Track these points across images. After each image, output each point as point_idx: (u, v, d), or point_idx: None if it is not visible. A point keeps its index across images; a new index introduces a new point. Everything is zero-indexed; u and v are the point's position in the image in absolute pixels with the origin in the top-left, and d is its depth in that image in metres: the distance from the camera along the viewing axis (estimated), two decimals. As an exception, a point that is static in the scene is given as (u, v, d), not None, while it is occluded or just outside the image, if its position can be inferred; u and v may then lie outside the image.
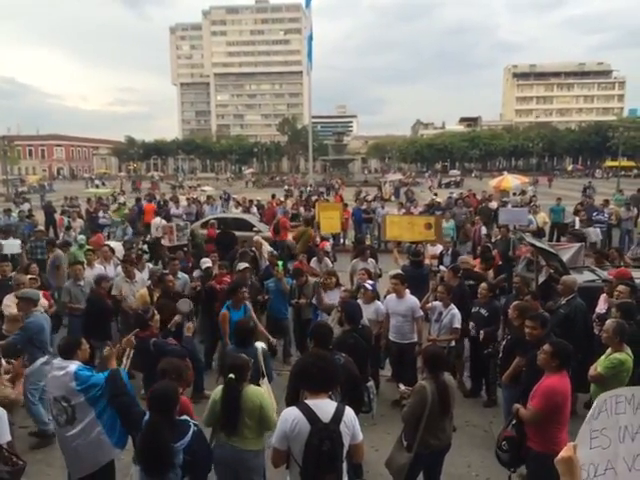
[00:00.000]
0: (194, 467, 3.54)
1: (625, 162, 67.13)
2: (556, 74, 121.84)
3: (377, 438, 5.70)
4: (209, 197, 23.85)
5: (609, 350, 5.06)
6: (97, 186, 49.10)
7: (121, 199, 21.38)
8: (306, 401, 3.34)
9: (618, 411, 2.09)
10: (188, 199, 21.82)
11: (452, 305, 6.93)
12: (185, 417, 3.66)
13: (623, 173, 60.50)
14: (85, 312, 7.57)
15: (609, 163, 75.50)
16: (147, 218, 10.70)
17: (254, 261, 9.97)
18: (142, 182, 56.90)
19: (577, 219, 15.02)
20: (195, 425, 3.62)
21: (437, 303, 7.06)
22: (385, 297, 7.89)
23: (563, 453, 1.94)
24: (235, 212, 19.65)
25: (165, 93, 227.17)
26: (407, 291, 7.11)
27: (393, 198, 32.29)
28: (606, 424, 2.05)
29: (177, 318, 6.17)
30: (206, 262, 9.13)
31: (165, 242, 10.56)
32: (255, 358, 4.93)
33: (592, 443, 2.02)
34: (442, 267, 8.30)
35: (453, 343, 7.06)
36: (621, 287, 6.21)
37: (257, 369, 4.90)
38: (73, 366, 4.28)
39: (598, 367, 4.98)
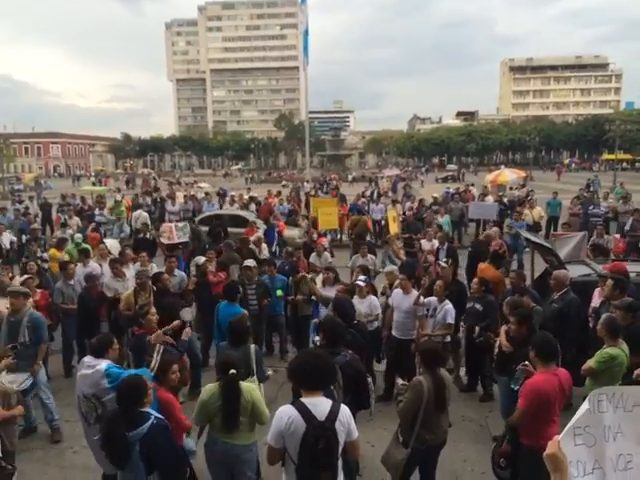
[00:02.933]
0: (156, 461, 3.57)
1: (622, 155, 67.21)
2: (553, 67, 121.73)
3: (373, 434, 5.72)
4: (207, 194, 23.83)
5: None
6: (94, 183, 48.89)
7: (117, 197, 21.29)
8: (302, 399, 3.35)
9: (601, 410, 2.09)
10: (185, 196, 21.78)
11: (447, 301, 6.96)
12: (148, 410, 3.67)
13: (621, 166, 60.73)
14: (77, 312, 7.55)
15: (606, 156, 75.56)
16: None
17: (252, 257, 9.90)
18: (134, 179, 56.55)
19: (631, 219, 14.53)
20: (157, 418, 3.63)
21: (432, 299, 7.08)
22: (381, 292, 7.95)
23: (548, 450, 1.97)
24: (232, 208, 19.66)
25: (161, 89, 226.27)
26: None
27: (391, 193, 32.28)
28: (589, 422, 2.06)
29: (176, 324, 6.13)
30: (200, 259, 9.11)
31: (164, 240, 10.53)
32: (247, 357, 4.95)
33: (576, 440, 2.02)
34: (441, 262, 8.32)
35: (448, 338, 7.09)
36: (608, 281, 6.22)
37: (248, 368, 4.90)
38: (103, 364, 4.31)
39: (591, 361, 5.01)
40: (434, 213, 16.43)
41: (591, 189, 25.20)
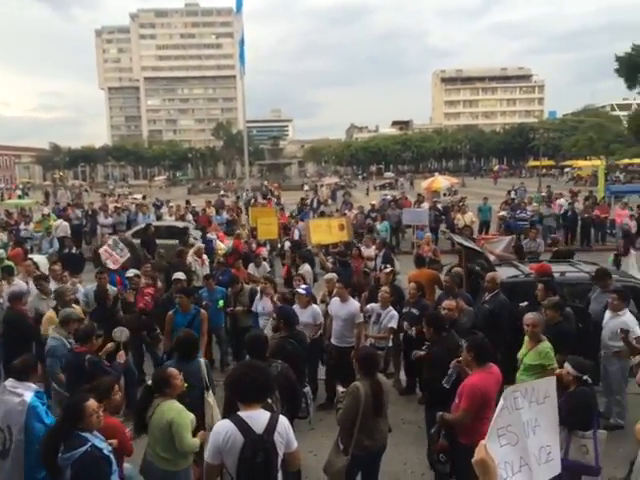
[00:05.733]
0: None
1: (546, 162, 71.19)
2: (481, 79, 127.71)
3: (315, 443, 5.72)
4: (141, 205, 23.12)
5: (529, 342, 5.34)
6: (20, 196, 46.29)
7: (45, 210, 20.26)
8: (239, 413, 3.30)
9: (518, 407, 2.15)
10: (117, 208, 21.03)
11: (390, 307, 7.09)
12: (86, 434, 3.52)
13: (546, 171, 64.32)
14: (2, 335, 7.06)
15: (531, 163, 79.75)
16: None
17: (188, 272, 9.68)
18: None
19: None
20: (95, 447, 3.49)
21: (374, 305, 7.19)
22: (321, 300, 7.99)
23: (476, 455, 2.00)
24: (169, 220, 19.18)
25: (93, 98, 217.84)
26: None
27: (330, 201, 32.58)
28: (510, 421, 2.12)
29: (110, 346, 5.84)
30: (130, 272, 8.77)
31: (112, 266, 9.90)
32: (199, 372, 4.83)
33: (500, 441, 2.07)
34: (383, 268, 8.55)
35: (391, 343, 7.21)
36: (540, 286, 6.56)
37: (202, 382, 4.80)
38: (29, 394, 4.03)
39: (548, 360, 5.21)
40: (373, 220, 16.79)
41: (516, 195, 26.45)
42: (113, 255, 10.18)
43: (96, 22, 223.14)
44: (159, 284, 9.09)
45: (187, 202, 23.39)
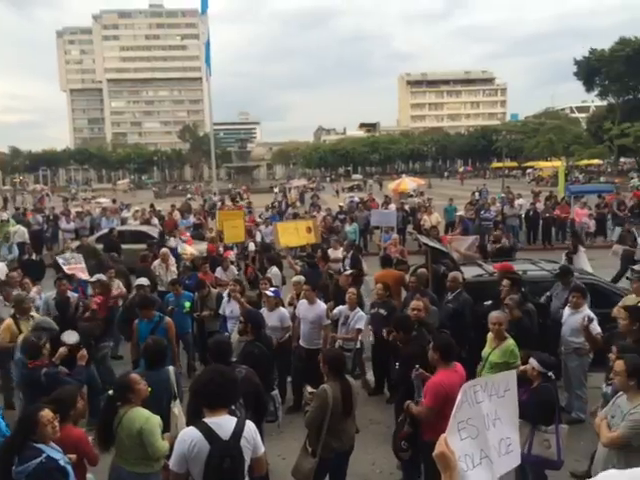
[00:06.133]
0: None
1: (509, 163, 72.92)
2: (445, 82, 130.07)
3: (284, 446, 5.70)
4: (105, 209, 22.62)
5: (493, 340, 5.45)
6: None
7: (4, 215, 19.58)
8: (205, 419, 3.25)
9: (478, 400, 2.17)
10: (79, 212, 20.51)
11: (358, 308, 7.13)
12: (40, 446, 3.42)
13: (509, 172, 65.87)
14: None
15: (495, 164, 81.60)
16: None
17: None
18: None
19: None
20: (50, 459, 3.39)
21: (342, 308, 7.21)
22: (288, 303, 7.97)
23: (436, 449, 2.02)
24: (134, 224, 18.82)
25: (55, 100, 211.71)
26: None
27: (299, 204, 32.57)
28: (470, 414, 2.13)
29: (62, 350, 5.67)
30: (96, 277, 8.53)
31: (83, 276, 9.53)
32: (168, 381, 4.74)
33: (461, 434, 2.09)
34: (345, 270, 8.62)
35: (359, 345, 7.25)
36: (505, 282, 6.70)
37: (170, 391, 4.71)
38: None
39: (510, 358, 5.31)
40: (341, 222, 16.87)
41: (480, 196, 26.98)
42: (76, 267, 9.85)
43: (58, 23, 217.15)
44: (123, 290, 8.91)
45: (151, 206, 23.00)
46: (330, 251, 11.65)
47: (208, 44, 35.57)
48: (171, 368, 4.96)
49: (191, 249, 12.64)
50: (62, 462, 3.45)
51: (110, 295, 8.04)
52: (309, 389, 4.70)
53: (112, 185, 78.68)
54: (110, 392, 3.92)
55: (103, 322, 7.38)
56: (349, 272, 8.19)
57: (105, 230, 16.78)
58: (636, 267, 7.63)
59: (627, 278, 8.12)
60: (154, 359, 4.79)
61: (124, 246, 14.64)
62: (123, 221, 19.84)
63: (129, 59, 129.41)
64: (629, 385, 3.85)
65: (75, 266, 9.73)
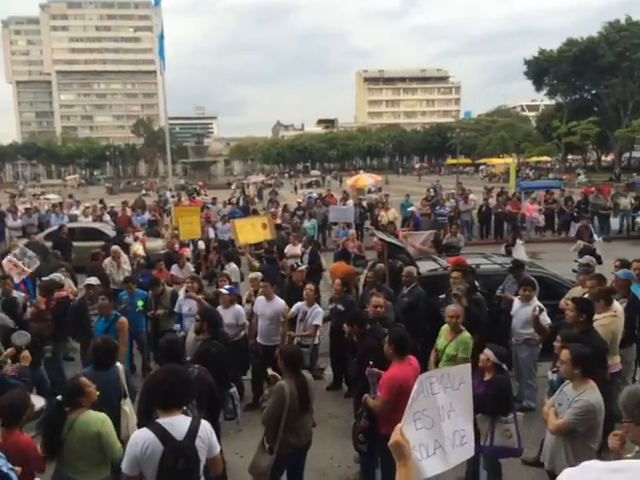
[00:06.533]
0: None
1: (463, 160, 74.65)
2: (402, 79, 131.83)
3: (242, 444, 5.66)
4: (54, 205, 21.81)
5: (449, 333, 5.57)
6: None
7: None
8: (158, 420, 3.18)
9: (434, 391, 2.23)
10: (27, 209, 19.69)
11: (316, 304, 7.14)
12: None
13: (463, 169, 67.43)
14: None
15: (450, 161, 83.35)
16: None
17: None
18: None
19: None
20: None
21: (300, 304, 7.22)
22: (246, 300, 7.91)
23: (392, 438, 2.05)
24: (86, 221, 18.22)
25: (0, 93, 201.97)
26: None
27: (257, 200, 32.33)
28: (426, 405, 2.19)
29: (9, 351, 5.45)
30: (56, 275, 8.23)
31: (17, 279, 9.10)
32: (117, 380, 4.62)
33: (416, 424, 2.14)
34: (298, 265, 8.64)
35: (317, 340, 7.26)
36: (455, 273, 6.86)
37: (119, 390, 4.59)
38: None
39: (461, 353, 5.41)
40: (299, 218, 16.85)
41: (435, 192, 27.50)
42: (19, 266, 9.42)
43: (3, 12, 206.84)
44: (74, 289, 8.63)
45: (101, 201, 22.29)
46: (289, 247, 11.65)
47: (162, 37, 34.79)
48: (120, 366, 4.87)
49: (141, 248, 12.31)
50: (5, 468, 3.30)
51: (55, 296, 7.73)
52: (270, 371, 4.66)
53: (62, 181, 75.89)
54: (59, 397, 3.74)
55: (52, 323, 7.12)
56: (302, 268, 8.20)
57: (55, 227, 16.17)
58: (581, 260, 7.93)
59: (573, 270, 8.43)
60: (103, 359, 4.69)
61: (75, 244, 14.18)
62: (72, 218, 19.13)
63: (79, 50, 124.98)
64: (574, 373, 4.00)
65: (20, 266, 9.32)
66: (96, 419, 3.84)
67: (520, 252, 10.65)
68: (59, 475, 3.86)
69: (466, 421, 2.36)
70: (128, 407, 4.62)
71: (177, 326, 7.53)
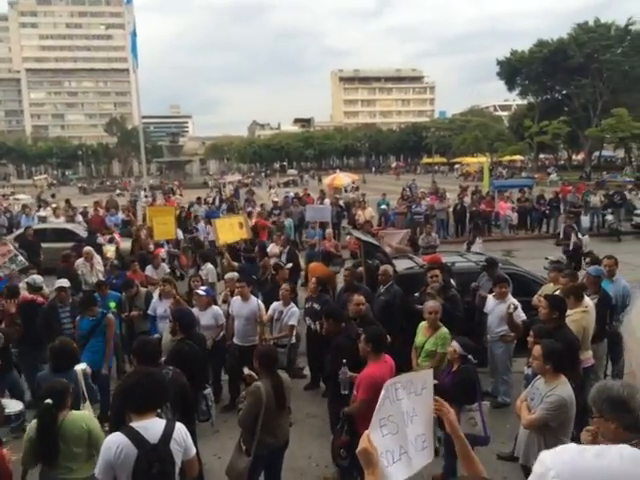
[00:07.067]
0: None
1: (438, 159, 75.43)
2: (377, 79, 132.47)
3: (220, 445, 5.62)
4: (24, 206, 21.31)
5: (428, 329, 5.61)
6: None
7: None
8: (132, 424, 3.13)
9: (399, 397, 2.25)
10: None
11: (292, 304, 7.12)
12: None
13: (438, 168, 68.18)
14: None
15: (425, 160, 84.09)
16: None
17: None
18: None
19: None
20: None
21: (276, 304, 7.19)
22: (223, 300, 7.84)
23: (360, 446, 2.05)
24: (57, 221, 17.83)
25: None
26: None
27: (234, 199, 32.06)
28: (391, 411, 2.20)
29: None
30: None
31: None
32: (75, 382, 4.51)
33: (382, 430, 2.15)
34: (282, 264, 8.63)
35: (294, 340, 7.24)
36: (433, 271, 6.92)
37: (78, 394, 4.47)
38: None
39: (440, 348, 5.47)
40: (276, 217, 16.81)
41: (411, 191, 27.72)
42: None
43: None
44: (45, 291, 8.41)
45: (67, 201, 21.72)
46: (271, 246, 11.63)
47: (134, 34, 34.23)
48: (78, 369, 4.72)
49: (112, 250, 12.14)
50: None
51: (20, 299, 7.52)
52: (246, 370, 4.62)
53: (33, 181, 74.18)
54: (49, 401, 3.64)
55: (21, 327, 6.94)
56: (289, 266, 8.18)
57: (23, 228, 15.78)
58: (551, 257, 8.08)
59: (544, 268, 8.59)
60: (61, 361, 4.61)
61: (46, 245, 13.88)
62: (42, 219, 18.72)
63: (49, 48, 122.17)
64: (546, 369, 4.07)
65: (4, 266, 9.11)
66: (81, 417, 3.82)
67: (478, 247, 11.29)
68: (47, 478, 3.77)
69: (427, 426, 2.39)
70: (88, 410, 4.53)
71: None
